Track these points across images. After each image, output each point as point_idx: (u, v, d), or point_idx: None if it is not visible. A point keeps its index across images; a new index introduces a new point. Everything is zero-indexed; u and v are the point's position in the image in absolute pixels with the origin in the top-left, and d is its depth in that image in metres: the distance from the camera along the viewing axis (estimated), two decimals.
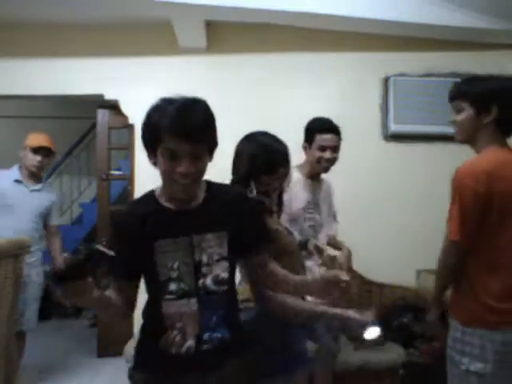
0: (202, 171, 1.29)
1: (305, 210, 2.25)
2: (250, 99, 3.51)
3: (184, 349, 1.29)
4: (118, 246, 1.35)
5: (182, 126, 1.20)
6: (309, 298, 1.74)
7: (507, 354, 1.59)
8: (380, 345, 2.65)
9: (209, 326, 1.31)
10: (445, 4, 3.18)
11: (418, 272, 3.39)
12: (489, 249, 1.62)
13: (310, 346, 1.77)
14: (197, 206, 1.33)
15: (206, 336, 1.30)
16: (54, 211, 3.20)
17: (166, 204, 1.33)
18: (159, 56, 3.52)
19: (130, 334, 2.92)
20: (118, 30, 3.46)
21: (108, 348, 3.69)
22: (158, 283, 1.30)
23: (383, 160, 3.53)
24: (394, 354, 2.81)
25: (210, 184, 1.39)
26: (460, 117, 1.72)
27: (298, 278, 1.47)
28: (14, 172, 3.09)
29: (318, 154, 2.24)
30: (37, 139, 3.11)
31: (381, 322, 1.67)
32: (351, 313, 1.60)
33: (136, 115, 3.47)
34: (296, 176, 2.18)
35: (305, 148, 2.29)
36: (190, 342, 1.29)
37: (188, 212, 1.32)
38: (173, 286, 1.29)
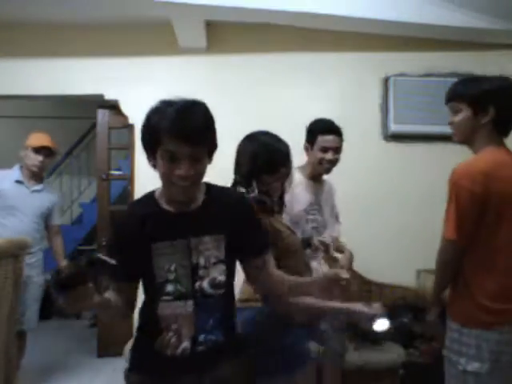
0: (202, 174, 1.29)
1: (307, 211, 2.24)
2: (250, 99, 3.51)
3: (179, 350, 1.29)
4: (118, 247, 1.37)
5: (182, 128, 1.20)
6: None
7: (502, 353, 1.59)
8: (390, 338, 2.64)
9: (204, 328, 1.31)
10: (445, 4, 3.18)
11: (418, 272, 3.39)
12: (485, 249, 1.63)
13: (314, 347, 1.77)
14: (196, 209, 1.33)
15: (201, 338, 1.31)
16: (55, 211, 3.19)
17: (166, 206, 1.33)
18: (159, 56, 3.52)
19: (129, 334, 2.90)
20: (118, 30, 3.47)
21: (108, 348, 3.69)
22: (155, 285, 1.30)
23: (383, 160, 3.53)
24: (394, 354, 2.81)
25: (209, 186, 1.39)
26: (457, 118, 1.72)
27: (293, 278, 1.46)
28: (15, 172, 3.08)
29: (319, 155, 2.23)
30: (38, 139, 3.10)
31: (389, 314, 1.67)
32: (359, 306, 1.61)
33: (136, 115, 3.47)
34: (298, 177, 2.18)
35: (306, 149, 2.29)
36: (186, 344, 1.30)
37: (187, 214, 1.32)
38: (169, 288, 1.30)
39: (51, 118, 5.63)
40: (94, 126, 4.60)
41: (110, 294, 1.31)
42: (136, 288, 1.39)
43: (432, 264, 1.77)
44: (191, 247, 1.30)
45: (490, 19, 3.24)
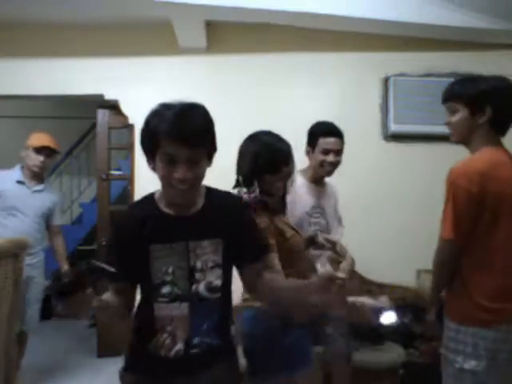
0: (200, 177, 1.29)
1: (309, 214, 2.24)
2: (250, 99, 3.51)
3: (173, 352, 1.30)
4: (117, 247, 1.38)
5: (180, 131, 1.20)
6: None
7: (499, 351, 1.60)
8: (391, 337, 2.64)
9: (199, 331, 1.32)
10: (445, 4, 3.18)
11: (418, 272, 3.39)
12: (482, 248, 1.63)
13: (319, 349, 1.77)
14: (195, 213, 1.34)
15: (195, 340, 1.31)
16: (56, 211, 3.18)
17: (165, 209, 1.34)
18: (159, 56, 3.52)
19: (130, 334, 2.91)
20: (118, 30, 3.47)
21: (108, 348, 3.69)
22: (152, 286, 1.31)
23: (383, 160, 3.53)
24: (394, 354, 2.81)
25: (209, 191, 1.39)
26: (454, 118, 1.73)
27: (289, 282, 1.46)
28: (16, 172, 3.07)
29: (321, 157, 2.23)
30: (40, 139, 3.08)
31: (396, 307, 1.66)
32: (366, 299, 1.60)
33: (136, 115, 3.47)
34: (300, 180, 2.18)
35: (308, 152, 2.28)
36: (179, 346, 1.30)
37: (186, 218, 1.33)
38: (166, 290, 1.30)
39: (51, 117, 5.63)
40: (94, 126, 4.60)
41: (108, 295, 1.31)
42: (134, 289, 1.39)
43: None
44: (189, 250, 1.30)
45: (490, 19, 3.24)
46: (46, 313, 4.23)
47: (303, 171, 2.27)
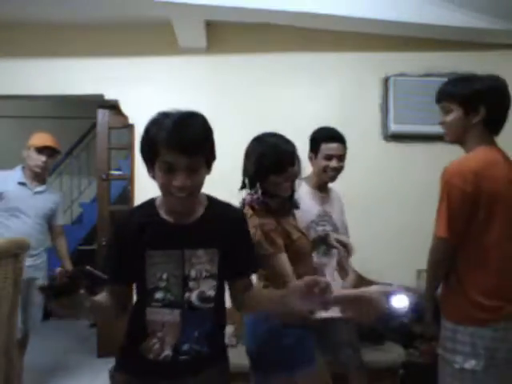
0: (199, 185, 1.30)
1: (316, 222, 2.22)
2: (250, 99, 3.51)
3: (161, 357, 1.32)
4: (115, 250, 1.40)
5: (179, 140, 1.21)
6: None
7: (497, 350, 1.61)
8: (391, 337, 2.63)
9: (189, 338, 1.33)
10: (445, 4, 3.18)
11: (419, 272, 3.39)
12: (476, 247, 1.64)
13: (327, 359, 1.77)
14: (194, 221, 1.35)
15: (184, 347, 1.32)
16: (58, 212, 3.17)
17: (165, 216, 1.35)
18: (159, 56, 3.52)
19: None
20: (118, 30, 3.46)
21: (108, 348, 3.68)
22: (146, 290, 1.32)
23: (383, 160, 3.53)
24: (394, 353, 2.81)
25: (210, 200, 1.40)
26: (449, 118, 1.74)
27: (274, 292, 1.46)
28: (17, 173, 3.05)
29: (323, 163, 2.22)
30: (41, 139, 3.06)
31: (407, 289, 1.66)
32: (375, 287, 1.61)
33: (136, 115, 3.47)
34: (304, 187, 2.17)
35: (310, 158, 2.27)
36: (167, 352, 1.32)
37: (184, 226, 1.34)
38: (159, 295, 1.32)
39: (51, 117, 5.63)
40: (94, 125, 4.60)
41: (102, 296, 1.33)
42: (129, 291, 1.41)
43: None
44: (184, 259, 1.31)
45: (490, 19, 3.24)
46: (46, 313, 4.24)
47: (307, 178, 2.25)
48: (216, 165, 1.36)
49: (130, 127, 3.60)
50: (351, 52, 3.55)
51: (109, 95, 3.53)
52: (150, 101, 3.42)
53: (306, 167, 2.10)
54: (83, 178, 6.27)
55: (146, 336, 1.33)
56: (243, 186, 1.76)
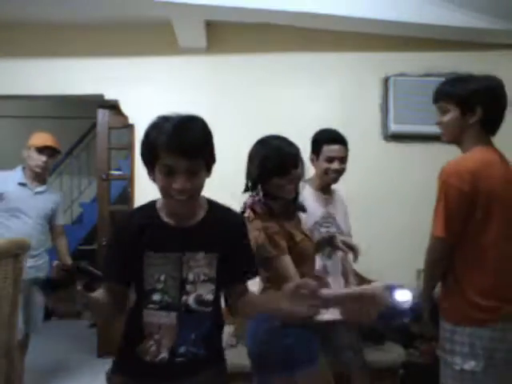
0: (199, 187, 1.30)
1: (319, 224, 2.22)
2: (250, 99, 3.51)
3: (157, 359, 1.32)
4: (114, 250, 1.40)
5: (178, 143, 1.22)
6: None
7: (496, 350, 1.61)
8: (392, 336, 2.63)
9: (186, 341, 1.33)
10: (445, 4, 3.18)
11: (419, 272, 3.38)
12: (473, 247, 1.65)
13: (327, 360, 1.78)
14: (194, 225, 1.35)
15: (181, 349, 1.32)
16: (59, 212, 3.16)
17: (166, 218, 1.35)
18: (159, 56, 3.52)
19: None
20: (118, 30, 3.47)
21: (108, 348, 3.68)
22: (143, 292, 1.33)
23: (383, 160, 3.52)
24: (394, 353, 2.81)
25: (211, 204, 1.41)
26: (446, 118, 1.75)
27: (268, 296, 1.48)
28: (18, 174, 3.03)
29: (325, 165, 2.22)
30: (41, 138, 3.04)
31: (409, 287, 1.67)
32: (376, 283, 1.61)
33: (136, 115, 3.47)
34: (307, 190, 2.18)
35: (312, 160, 2.27)
36: (164, 354, 1.32)
37: (184, 229, 1.34)
38: (156, 297, 1.32)
39: (51, 117, 5.63)
40: (94, 125, 4.60)
41: (99, 293, 1.33)
42: (126, 291, 1.40)
43: None
44: (183, 261, 1.32)
45: (490, 19, 3.24)
46: (47, 313, 4.24)
47: (310, 180, 2.25)
48: (216, 166, 1.36)
49: (130, 127, 3.60)
50: (351, 52, 3.55)
51: (109, 95, 3.53)
52: (149, 101, 3.42)
53: (309, 169, 2.11)
54: (83, 177, 6.27)
55: (142, 338, 1.33)
56: (246, 189, 1.76)
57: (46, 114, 5.69)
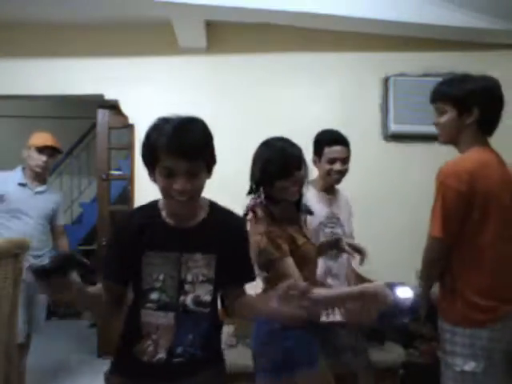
0: (199, 189, 1.31)
1: (324, 224, 2.22)
2: (250, 99, 3.51)
3: (155, 360, 1.32)
4: (114, 249, 1.41)
5: (178, 145, 1.22)
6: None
7: (494, 350, 1.61)
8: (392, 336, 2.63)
9: (183, 341, 1.33)
10: (445, 4, 3.18)
11: (418, 272, 3.38)
12: (471, 247, 1.65)
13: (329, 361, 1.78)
14: (194, 225, 1.36)
15: (178, 350, 1.32)
16: (59, 212, 3.15)
17: (167, 218, 1.36)
18: (159, 56, 3.52)
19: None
20: (118, 30, 3.47)
21: (108, 348, 3.68)
22: (141, 291, 1.33)
23: (383, 160, 3.52)
24: (394, 353, 2.81)
25: (213, 205, 1.41)
26: (443, 119, 1.75)
27: (256, 298, 1.47)
28: (17, 174, 3.02)
29: (327, 166, 2.22)
30: (42, 138, 3.03)
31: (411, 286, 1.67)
32: (376, 283, 1.61)
33: (136, 115, 3.47)
34: (311, 191, 2.17)
35: (314, 162, 2.27)
36: (161, 355, 1.32)
37: (184, 229, 1.35)
38: (154, 296, 1.32)
39: (51, 117, 5.63)
40: (94, 125, 4.60)
41: (97, 288, 1.34)
42: (124, 290, 1.41)
43: None
44: (181, 262, 1.32)
45: (490, 19, 3.24)
46: (47, 313, 4.24)
47: (313, 182, 2.23)
48: (215, 166, 1.36)
49: (130, 127, 3.60)
50: (351, 52, 3.55)
51: (109, 95, 3.53)
52: (149, 101, 3.42)
53: (312, 170, 2.10)
54: (83, 177, 6.28)
55: (140, 338, 1.33)
56: (251, 191, 1.76)
57: (46, 114, 5.69)
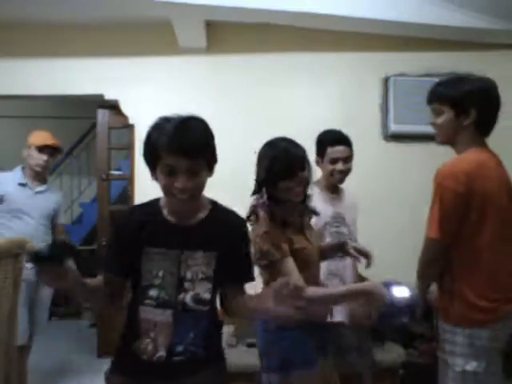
0: (200, 187, 1.32)
1: (329, 224, 2.22)
2: (250, 99, 3.51)
3: (155, 358, 1.32)
4: (114, 244, 1.43)
5: (179, 143, 1.23)
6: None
7: (494, 350, 1.62)
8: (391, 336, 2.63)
9: (183, 339, 1.33)
10: (445, 4, 3.18)
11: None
12: (469, 248, 1.65)
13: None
14: (195, 223, 1.36)
15: (179, 348, 1.32)
16: (60, 211, 3.14)
17: (168, 216, 1.36)
18: (159, 56, 3.52)
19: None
20: (118, 30, 3.47)
21: (108, 348, 3.68)
22: (140, 288, 1.34)
23: (383, 160, 3.52)
24: (394, 353, 2.81)
25: (214, 205, 1.42)
26: (440, 120, 1.75)
27: (256, 297, 1.47)
28: (17, 174, 3.00)
29: (330, 166, 2.23)
30: (41, 137, 3.01)
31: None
32: (373, 282, 1.61)
33: (136, 115, 3.47)
34: (315, 191, 2.16)
35: (317, 162, 2.27)
36: (161, 353, 1.32)
37: (185, 227, 1.35)
38: (153, 292, 1.32)
39: (51, 117, 5.62)
40: (94, 125, 4.60)
41: (97, 280, 1.35)
42: (124, 282, 1.41)
43: None
44: (181, 260, 1.32)
45: (490, 19, 3.25)
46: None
47: (317, 182, 2.23)
48: (216, 165, 1.37)
49: (130, 127, 3.60)
50: (351, 52, 3.55)
51: (109, 95, 3.53)
52: (149, 101, 3.42)
53: (316, 171, 2.10)
54: (83, 177, 6.27)
55: (139, 335, 1.33)
56: (255, 192, 1.76)
57: (46, 113, 5.69)
